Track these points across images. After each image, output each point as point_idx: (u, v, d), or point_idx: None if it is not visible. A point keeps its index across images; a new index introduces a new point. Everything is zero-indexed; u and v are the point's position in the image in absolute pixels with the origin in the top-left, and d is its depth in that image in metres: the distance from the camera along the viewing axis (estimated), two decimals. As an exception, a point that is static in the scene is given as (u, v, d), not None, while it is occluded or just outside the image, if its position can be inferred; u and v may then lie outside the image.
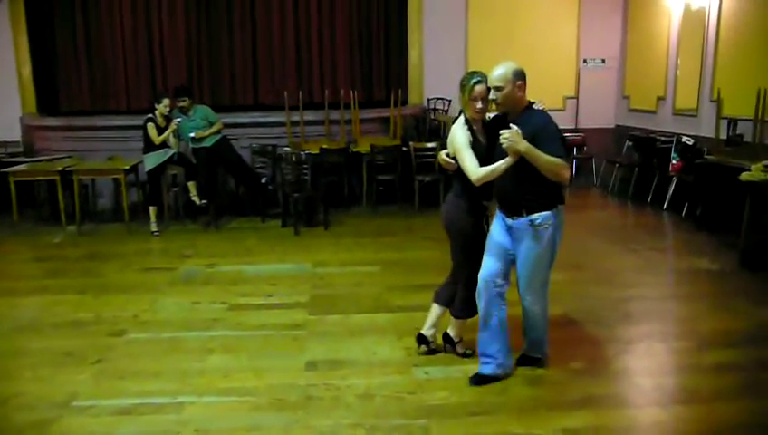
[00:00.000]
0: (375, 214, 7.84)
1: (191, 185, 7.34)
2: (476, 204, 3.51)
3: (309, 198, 7.29)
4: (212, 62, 9.55)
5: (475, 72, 3.40)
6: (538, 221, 3.26)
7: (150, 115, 7.02)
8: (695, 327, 4.28)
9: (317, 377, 3.57)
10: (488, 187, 3.38)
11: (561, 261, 5.55)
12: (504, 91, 3.23)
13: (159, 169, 7.12)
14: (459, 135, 3.38)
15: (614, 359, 3.83)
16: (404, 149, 7.91)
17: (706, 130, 7.64)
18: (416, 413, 3.15)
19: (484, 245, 3.48)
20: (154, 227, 7.06)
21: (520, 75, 3.27)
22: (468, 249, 3.55)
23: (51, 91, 9.54)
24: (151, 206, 7.13)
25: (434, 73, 9.46)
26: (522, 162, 3.13)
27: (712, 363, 3.72)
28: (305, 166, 7.13)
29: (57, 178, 7.25)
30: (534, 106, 3.31)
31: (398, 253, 6.04)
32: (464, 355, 3.75)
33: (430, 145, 7.81)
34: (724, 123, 7.31)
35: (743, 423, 3.10)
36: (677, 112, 8.41)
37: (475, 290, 3.47)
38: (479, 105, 3.35)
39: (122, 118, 8.85)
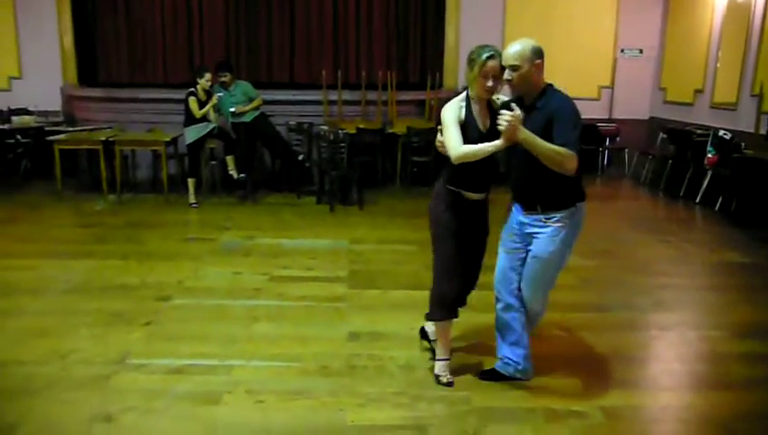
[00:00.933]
0: (409, 195, 7.95)
1: (229, 159, 7.50)
2: (458, 196, 3.16)
3: (344, 177, 7.41)
4: (249, 38, 9.68)
5: (486, 46, 3.00)
6: (554, 220, 2.98)
7: (192, 89, 7.15)
8: (726, 317, 4.34)
9: (360, 347, 3.70)
10: (478, 176, 3.09)
11: (594, 248, 5.80)
12: (521, 71, 2.87)
13: (199, 143, 7.28)
14: (449, 111, 3.06)
15: (648, 344, 3.92)
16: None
17: (745, 125, 7.61)
18: (456, 385, 3.26)
19: (462, 244, 3.18)
20: (192, 199, 7.24)
21: (538, 53, 2.92)
22: (440, 241, 3.22)
23: (90, 63, 9.75)
24: (190, 178, 7.31)
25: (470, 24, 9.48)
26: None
27: (743, 353, 3.79)
28: (342, 144, 7.24)
29: (100, 147, 7.45)
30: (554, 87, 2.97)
31: (433, 234, 6.15)
32: (437, 379, 3.29)
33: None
34: (764, 119, 7.29)
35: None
36: (715, 106, 8.37)
37: (444, 289, 3.19)
38: (489, 83, 2.94)
39: (161, 91, 9.02)
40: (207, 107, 7.13)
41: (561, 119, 2.82)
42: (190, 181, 7.29)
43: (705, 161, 7.75)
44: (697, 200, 7.75)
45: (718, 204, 7.34)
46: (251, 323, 4.04)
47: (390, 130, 8.19)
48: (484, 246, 3.35)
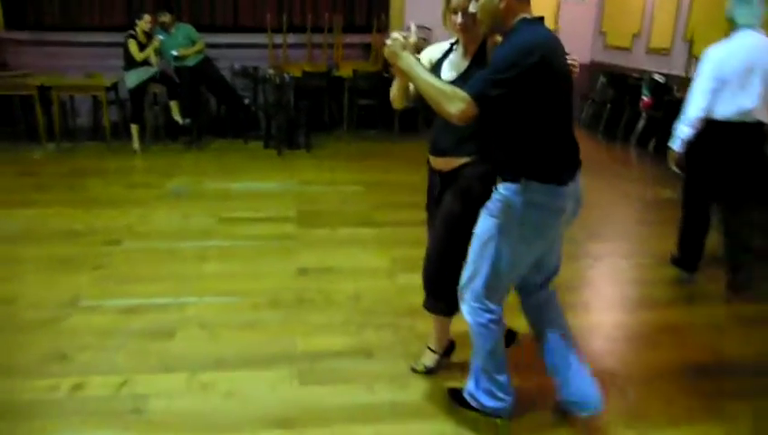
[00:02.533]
0: (356, 138, 8.01)
1: (173, 104, 7.37)
2: (428, 162, 2.75)
3: (291, 121, 7.40)
4: (191, -21, 9.37)
5: None
6: (499, 191, 2.29)
7: (131, 31, 6.94)
8: (655, 247, 4.62)
9: (309, 281, 3.83)
10: (438, 133, 2.59)
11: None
12: (483, 2, 2.22)
13: (141, 87, 7.11)
14: (425, 51, 2.68)
15: (582, 272, 4.16)
16: (385, 75, 8.00)
17: (678, 69, 7.88)
18: (401, 312, 3.43)
19: (429, 222, 2.81)
20: (136, 146, 7.12)
21: None
22: (448, 239, 2.64)
23: (17, 4, 9.26)
24: (133, 124, 7.16)
25: (416, 0, 9.44)
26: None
27: (668, 277, 4.09)
28: (288, 88, 7.20)
29: (35, 93, 7.20)
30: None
31: (380, 175, 6.26)
32: (427, 369, 2.94)
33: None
34: (695, 62, 7.56)
35: (691, 323, 3.49)
36: (651, 51, 8.61)
37: (436, 270, 2.72)
38: (458, 19, 2.43)
39: (97, 34, 8.69)
40: (148, 50, 6.95)
41: (493, 56, 2.23)
42: (133, 127, 7.15)
43: (641, 104, 8.03)
44: (633, 142, 8.05)
45: (652, 144, 7.65)
46: (202, 263, 4.11)
47: (336, 74, 8.16)
48: (441, 228, 2.66)
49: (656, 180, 6.48)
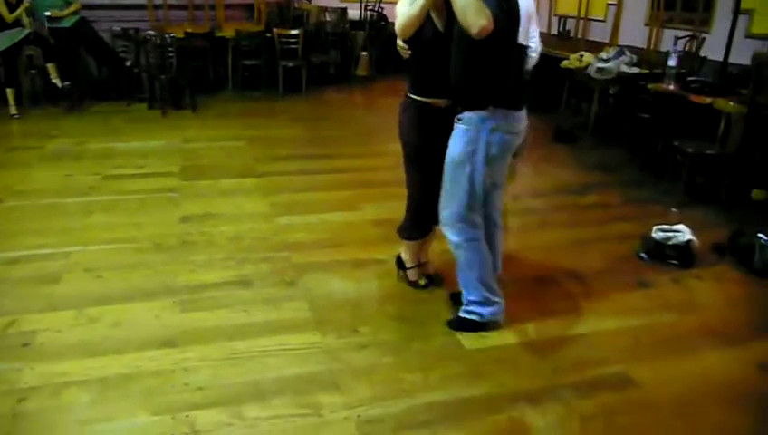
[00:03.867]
0: (241, 98, 8.15)
1: (51, 67, 7.22)
2: (425, 105, 2.86)
3: (174, 81, 7.44)
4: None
5: None
6: (462, 120, 2.65)
7: (0, -9, 6.73)
8: (511, 185, 5.16)
9: (191, 227, 4.08)
10: (443, 75, 2.68)
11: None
12: None
13: (15, 49, 6.92)
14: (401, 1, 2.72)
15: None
16: (268, 35, 8.15)
17: (542, 27, 8.51)
18: (278, 248, 3.78)
19: (438, 163, 2.81)
20: (14, 111, 6.95)
21: None
22: (414, 163, 2.99)
23: None
24: (9, 88, 6.97)
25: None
26: (460, 33, 2.45)
27: (520, 208, 4.66)
28: (170, 49, 7.24)
29: None
30: None
31: (263, 131, 6.50)
32: (414, 284, 3.40)
33: (294, 32, 8.11)
34: (555, 20, 8.22)
35: (538, 246, 4.01)
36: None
37: (419, 211, 3.09)
38: None
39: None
40: (19, 11, 6.75)
41: None
42: (9, 91, 6.96)
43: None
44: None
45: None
46: (86, 217, 4.26)
47: (219, 34, 8.22)
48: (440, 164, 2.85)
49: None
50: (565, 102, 6.62)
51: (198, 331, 2.95)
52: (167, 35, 7.31)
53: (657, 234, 3.89)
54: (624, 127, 6.27)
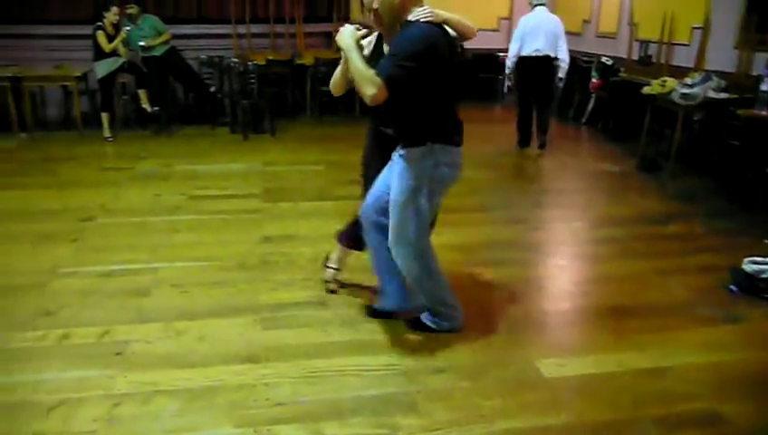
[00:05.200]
0: (319, 123, 8.37)
1: (142, 93, 7.64)
2: (376, 126, 3.15)
3: (255, 106, 7.72)
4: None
5: None
6: (404, 156, 2.80)
7: (99, 23, 7.19)
8: (590, 212, 5.09)
9: (272, 247, 4.20)
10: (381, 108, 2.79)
11: (485, 163, 6.48)
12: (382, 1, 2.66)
13: (110, 77, 7.37)
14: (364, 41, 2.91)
15: (521, 234, 4.58)
16: (346, 62, 8.34)
17: (624, 52, 8.37)
18: (356, 270, 3.78)
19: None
20: (107, 133, 7.38)
21: None
22: (364, 178, 3.34)
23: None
24: (104, 112, 7.41)
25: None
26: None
27: (600, 237, 4.55)
28: (252, 75, 7.52)
29: (7, 84, 7.40)
30: (410, 17, 2.66)
31: (340, 155, 6.60)
32: (326, 283, 3.60)
33: (371, 59, 8.27)
34: (637, 45, 8.06)
35: (619, 275, 3.92)
36: (600, 35, 9.09)
37: (358, 224, 3.27)
38: (371, 15, 2.76)
39: (65, 27, 8.88)
40: (116, 41, 7.20)
41: (393, 47, 2.64)
42: (104, 116, 7.40)
43: (590, 86, 8.52)
44: (583, 121, 8.53)
45: (600, 123, 8.15)
46: (173, 234, 4.45)
47: (299, 62, 8.49)
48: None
49: (598, 155, 6.97)
50: (647, 129, 6.45)
51: (279, 348, 3.02)
52: (249, 63, 7.60)
53: (748, 266, 3.71)
54: (710, 155, 6.05)
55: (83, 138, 7.42)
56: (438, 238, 4.26)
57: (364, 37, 2.77)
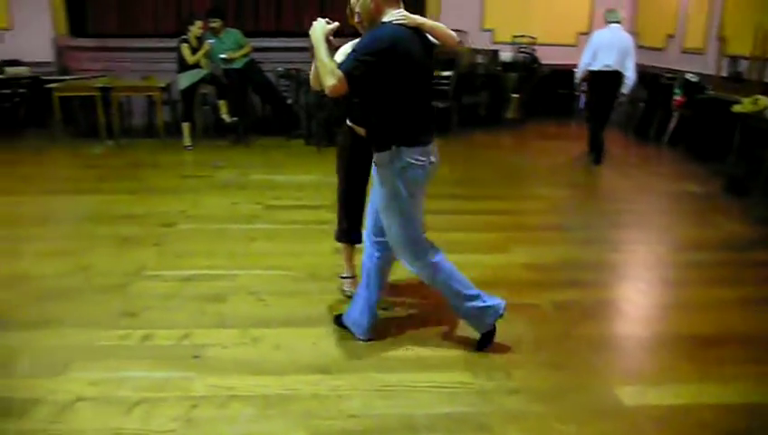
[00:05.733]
0: (391, 137, 8.37)
1: (222, 103, 7.88)
2: (351, 128, 3.36)
3: (329, 119, 7.82)
4: (237, -12, 9.93)
5: None
6: (376, 162, 2.88)
7: (184, 36, 7.46)
8: (673, 235, 4.89)
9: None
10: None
11: (563, 181, 6.35)
12: (360, 1, 2.81)
13: (192, 88, 7.63)
14: (343, 48, 3.09)
15: (599, 255, 4.43)
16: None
17: (712, 69, 8.05)
18: (428, 287, 3.76)
19: (362, 173, 3.38)
20: (187, 142, 7.64)
21: None
22: (348, 188, 3.53)
23: (80, 13, 9.93)
24: (184, 122, 7.68)
25: (451, 6, 9.80)
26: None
27: (683, 261, 4.36)
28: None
29: (97, 94, 7.79)
30: (384, 19, 2.76)
31: (414, 169, 6.62)
32: (343, 292, 3.71)
33: (445, 74, 8.26)
34: (726, 61, 7.73)
35: (700, 302, 3.74)
36: (686, 51, 8.77)
37: (346, 216, 3.54)
38: (355, 18, 2.91)
39: (151, 40, 9.30)
40: (200, 54, 7.46)
41: (356, 45, 2.71)
42: (185, 125, 7.67)
43: (673, 103, 8.22)
44: (665, 140, 8.24)
45: (683, 143, 7.84)
46: (249, 242, 4.54)
47: (374, 76, 8.55)
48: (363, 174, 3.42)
49: (681, 175, 6.70)
50: (736, 150, 6.17)
51: (351, 360, 3.03)
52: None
53: None
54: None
55: (165, 146, 7.71)
56: (514, 257, 4.29)
57: (335, 30, 2.78)
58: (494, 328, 3.11)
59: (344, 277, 3.75)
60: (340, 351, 3.11)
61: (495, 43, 9.78)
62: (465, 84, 8.75)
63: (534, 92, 9.39)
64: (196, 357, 3.02)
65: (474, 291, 3.05)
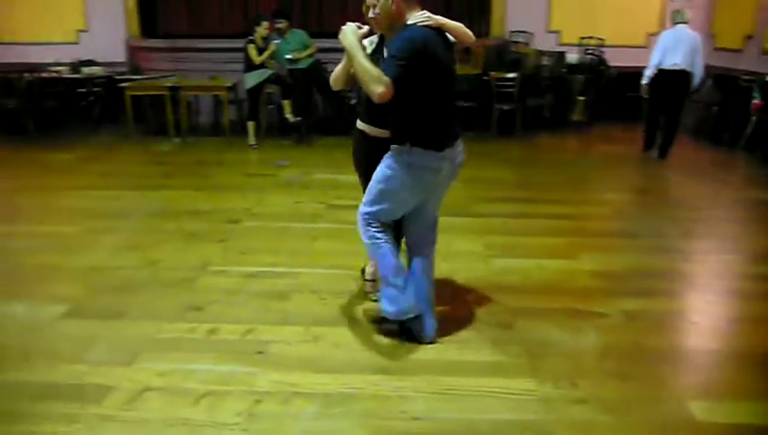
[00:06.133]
0: (454, 138, 8.31)
1: (286, 103, 7.99)
2: (360, 131, 3.30)
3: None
4: (301, -10, 10.06)
5: None
6: (391, 148, 2.95)
7: (251, 37, 7.60)
8: (746, 245, 4.66)
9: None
10: (372, 107, 2.94)
11: (631, 186, 6.17)
12: (380, 5, 2.81)
13: (258, 88, 7.77)
14: (365, 41, 3.04)
15: (669, 264, 4.27)
16: (485, 78, 8.28)
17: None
18: (493, 289, 3.74)
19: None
20: (252, 141, 7.78)
21: None
22: (360, 177, 3.43)
23: (151, 15, 10.27)
24: (250, 121, 7.83)
25: (517, 7, 9.67)
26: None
27: (756, 273, 4.16)
28: (391, 90, 7.61)
29: (167, 93, 8.04)
30: (409, 21, 2.81)
31: (476, 171, 6.51)
32: (366, 295, 3.68)
33: (510, 75, 8.15)
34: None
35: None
36: (766, 52, 8.38)
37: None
38: (371, 14, 2.89)
39: (218, 41, 9.53)
40: (266, 54, 7.58)
41: (391, 50, 2.76)
42: (250, 124, 7.82)
43: (751, 106, 7.87)
44: (741, 145, 7.89)
45: (760, 148, 7.49)
46: (312, 241, 4.58)
47: (437, 77, 8.50)
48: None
49: (756, 182, 6.41)
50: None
51: (414, 361, 3.00)
52: (389, 77, 7.71)
53: None
54: None
55: (230, 144, 7.87)
56: (580, 263, 4.18)
57: (365, 36, 2.89)
58: (402, 327, 3.19)
59: (369, 280, 3.70)
60: (402, 351, 3.09)
61: (561, 44, 9.59)
62: (529, 86, 8.59)
63: (601, 95, 9.15)
64: (260, 353, 3.06)
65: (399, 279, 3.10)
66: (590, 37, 9.34)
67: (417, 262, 3.19)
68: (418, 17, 2.79)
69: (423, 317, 3.14)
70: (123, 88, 8.11)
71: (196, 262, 4.19)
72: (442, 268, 4.03)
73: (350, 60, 2.78)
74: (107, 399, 2.70)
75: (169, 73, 9.10)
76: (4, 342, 3.20)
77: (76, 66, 9.36)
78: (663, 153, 7.27)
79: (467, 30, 2.98)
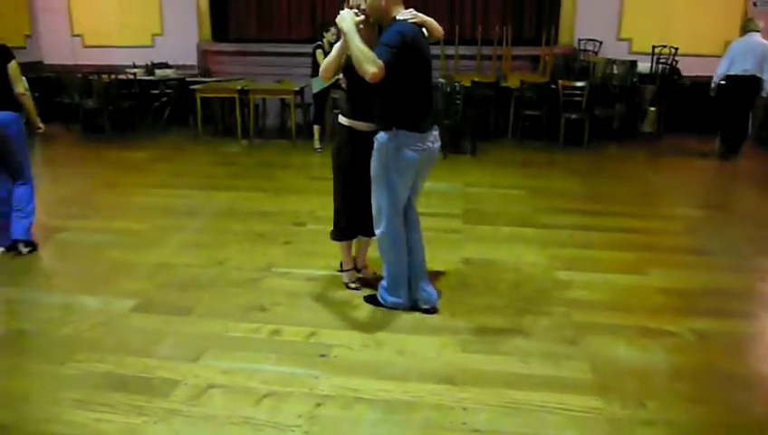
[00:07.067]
0: (520, 147, 8.21)
1: (351, 108, 8.03)
2: (348, 127, 3.47)
3: (456, 127, 7.78)
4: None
5: None
6: (378, 139, 3.24)
7: (319, 42, 7.69)
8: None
9: (472, 269, 4.16)
10: (365, 102, 3.29)
11: (704, 201, 5.94)
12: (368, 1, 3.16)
13: (324, 92, 7.84)
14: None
15: (743, 283, 4.07)
16: (552, 86, 8.14)
17: None
18: (559, 303, 3.66)
19: (357, 178, 3.48)
20: (317, 144, 7.88)
21: None
22: (337, 174, 3.67)
23: (222, 21, 10.57)
24: (315, 125, 7.93)
25: (586, 15, 9.47)
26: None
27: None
28: (457, 96, 7.60)
29: (236, 96, 8.23)
30: (398, 17, 3.12)
31: (543, 181, 6.44)
32: (346, 286, 3.85)
33: (579, 84, 7.98)
34: None
35: None
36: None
37: (345, 215, 3.70)
38: (358, 13, 3.16)
39: (286, 45, 9.72)
40: (333, 59, 7.64)
41: (382, 39, 3.05)
42: (315, 128, 7.92)
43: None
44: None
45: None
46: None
47: (504, 84, 8.43)
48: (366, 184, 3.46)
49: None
50: None
51: (477, 373, 2.96)
52: (456, 83, 7.69)
53: None
54: None
55: (296, 147, 8.00)
56: (649, 280, 4.05)
57: (362, 22, 3.14)
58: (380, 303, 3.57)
59: (346, 270, 3.89)
60: (465, 362, 3.05)
61: (632, 52, 9.33)
62: (598, 95, 8.39)
63: (674, 105, 8.85)
64: (321, 356, 3.08)
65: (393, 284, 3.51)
66: (663, 46, 9.05)
67: (414, 238, 3.54)
68: (407, 15, 3.15)
69: (425, 286, 3.52)
70: (194, 90, 8.36)
71: (262, 263, 4.26)
72: (508, 279, 3.99)
73: (348, 42, 3.04)
74: (173, 393, 2.77)
75: (238, 77, 9.33)
76: (77, 333, 3.33)
77: (150, 69, 9.71)
78: (735, 148, 7.47)
79: (437, 25, 3.33)
